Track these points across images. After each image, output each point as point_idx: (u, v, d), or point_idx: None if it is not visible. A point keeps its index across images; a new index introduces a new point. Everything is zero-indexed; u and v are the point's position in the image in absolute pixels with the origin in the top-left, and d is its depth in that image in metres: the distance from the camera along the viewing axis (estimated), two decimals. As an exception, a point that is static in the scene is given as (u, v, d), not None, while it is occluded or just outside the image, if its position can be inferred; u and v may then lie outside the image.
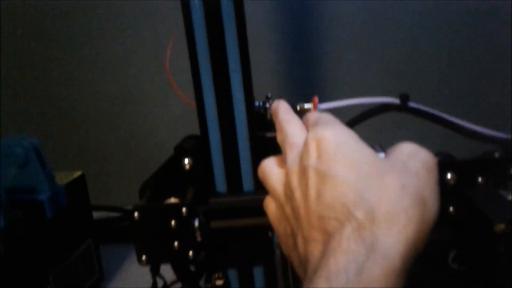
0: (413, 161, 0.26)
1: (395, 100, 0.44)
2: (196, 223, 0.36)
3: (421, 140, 0.71)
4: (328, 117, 0.31)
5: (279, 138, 0.33)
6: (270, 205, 0.32)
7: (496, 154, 0.37)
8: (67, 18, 0.74)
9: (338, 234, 0.24)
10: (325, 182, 0.26)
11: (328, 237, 0.24)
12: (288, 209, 0.29)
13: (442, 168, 0.32)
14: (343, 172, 0.25)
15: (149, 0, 0.71)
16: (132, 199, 0.76)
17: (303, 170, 0.28)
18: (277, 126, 0.34)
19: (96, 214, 0.66)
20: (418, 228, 0.24)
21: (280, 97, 0.44)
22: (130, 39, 0.74)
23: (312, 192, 0.26)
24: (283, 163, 0.32)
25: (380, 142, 0.45)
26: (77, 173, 0.52)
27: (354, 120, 0.45)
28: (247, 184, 0.40)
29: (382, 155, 0.42)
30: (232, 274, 0.41)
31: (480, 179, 0.34)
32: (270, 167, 0.32)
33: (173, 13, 0.69)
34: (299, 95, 0.72)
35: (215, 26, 0.37)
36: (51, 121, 0.79)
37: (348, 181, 0.25)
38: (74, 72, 0.76)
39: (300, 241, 0.27)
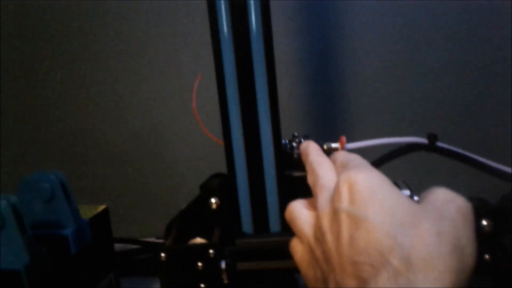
0: (449, 207, 0.26)
1: (423, 140, 0.44)
2: (223, 265, 0.36)
3: (446, 177, 0.69)
4: (359, 159, 0.31)
5: (309, 180, 0.33)
6: (297, 247, 0.32)
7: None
8: (90, 52, 0.75)
9: (374, 281, 0.23)
10: (359, 226, 0.25)
11: (362, 283, 0.24)
12: (318, 253, 0.28)
13: (477, 214, 0.32)
14: (377, 217, 0.25)
15: (176, 36, 0.72)
16: (147, 230, 0.76)
17: (335, 213, 0.27)
18: (307, 168, 0.34)
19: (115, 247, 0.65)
20: (456, 276, 0.23)
21: (306, 136, 0.44)
22: (156, 75, 0.74)
23: (345, 236, 0.26)
24: (311, 206, 0.32)
25: (404, 179, 0.44)
26: (101, 207, 0.51)
27: (382, 159, 0.44)
28: (274, 224, 0.39)
29: (407, 192, 0.41)
30: (257, 315, 0.40)
31: (516, 226, 0.33)
32: (298, 209, 0.32)
33: (201, 50, 0.70)
34: (325, 133, 0.71)
35: (245, 65, 0.37)
36: (70, 151, 0.80)
37: (382, 226, 0.25)
38: (98, 106, 0.77)
39: (332, 287, 0.26)
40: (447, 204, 0.26)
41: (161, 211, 0.78)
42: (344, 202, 0.27)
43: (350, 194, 0.27)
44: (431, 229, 0.24)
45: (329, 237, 0.27)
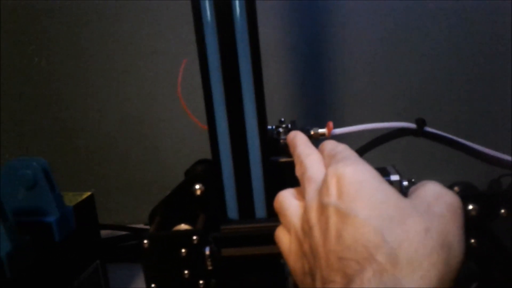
0: (438, 203, 0.25)
1: (411, 125, 0.43)
2: (207, 251, 0.35)
3: (434, 161, 0.69)
4: (347, 150, 0.30)
5: (297, 172, 0.32)
6: (283, 237, 0.31)
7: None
8: (75, 38, 0.74)
9: (359, 278, 0.23)
10: (346, 222, 0.25)
11: (348, 280, 0.23)
12: (306, 247, 0.28)
13: (463, 199, 0.31)
14: (364, 212, 0.24)
15: (163, 23, 0.71)
16: (137, 217, 0.76)
17: (322, 208, 0.27)
18: (295, 159, 0.33)
19: (102, 233, 0.65)
20: (442, 273, 0.23)
21: (293, 121, 0.43)
22: (142, 61, 0.73)
23: (332, 231, 0.25)
24: (300, 195, 0.31)
25: (393, 164, 0.44)
26: (86, 194, 0.51)
27: (371, 144, 0.44)
28: (260, 210, 0.39)
29: (396, 177, 0.41)
30: (243, 302, 0.40)
31: (503, 211, 0.33)
32: (287, 199, 0.31)
33: (187, 35, 0.69)
34: (312, 118, 0.71)
35: (229, 49, 0.36)
36: (56, 138, 0.79)
37: (369, 222, 0.24)
38: (83, 91, 0.76)
39: (318, 282, 0.26)
40: (437, 200, 0.26)
41: (150, 197, 0.77)
42: (332, 197, 0.26)
43: (338, 188, 0.26)
44: (419, 225, 0.24)
45: (316, 231, 0.27)
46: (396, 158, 0.54)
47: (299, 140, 0.35)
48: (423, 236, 0.23)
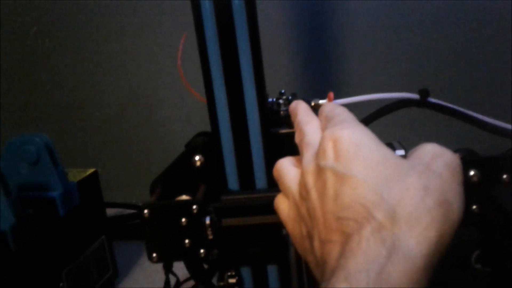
0: (436, 162, 0.25)
1: (415, 96, 0.42)
2: (207, 221, 0.35)
3: (439, 135, 0.69)
4: (344, 113, 0.30)
5: (297, 138, 0.32)
6: (282, 205, 0.31)
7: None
8: (77, 18, 0.74)
9: (357, 235, 0.23)
10: (343, 182, 0.25)
11: (346, 238, 0.23)
12: (303, 210, 0.28)
13: (465, 165, 0.31)
14: (362, 172, 0.24)
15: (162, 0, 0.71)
16: (146, 196, 0.76)
17: (319, 171, 0.27)
18: (295, 127, 0.33)
19: (111, 211, 0.66)
20: (441, 230, 0.23)
21: (294, 93, 0.43)
22: (142, 37, 0.73)
23: (330, 193, 0.25)
24: (299, 163, 0.31)
25: (398, 139, 0.43)
26: (90, 170, 0.51)
27: (373, 116, 0.43)
28: (260, 181, 0.39)
29: (401, 152, 0.41)
30: (246, 272, 0.40)
31: (505, 176, 0.32)
32: (285, 167, 0.31)
33: (187, 11, 0.69)
34: (314, 90, 0.70)
35: (226, 21, 0.36)
36: (63, 118, 0.79)
37: (367, 182, 0.24)
38: (85, 69, 0.76)
39: (316, 243, 0.26)
40: (435, 159, 0.25)
41: (153, 173, 0.78)
42: (329, 160, 0.26)
43: (334, 151, 0.26)
44: (417, 183, 0.24)
45: (313, 194, 0.27)
46: (399, 129, 0.53)
47: (300, 109, 0.35)
48: (422, 194, 0.23)
